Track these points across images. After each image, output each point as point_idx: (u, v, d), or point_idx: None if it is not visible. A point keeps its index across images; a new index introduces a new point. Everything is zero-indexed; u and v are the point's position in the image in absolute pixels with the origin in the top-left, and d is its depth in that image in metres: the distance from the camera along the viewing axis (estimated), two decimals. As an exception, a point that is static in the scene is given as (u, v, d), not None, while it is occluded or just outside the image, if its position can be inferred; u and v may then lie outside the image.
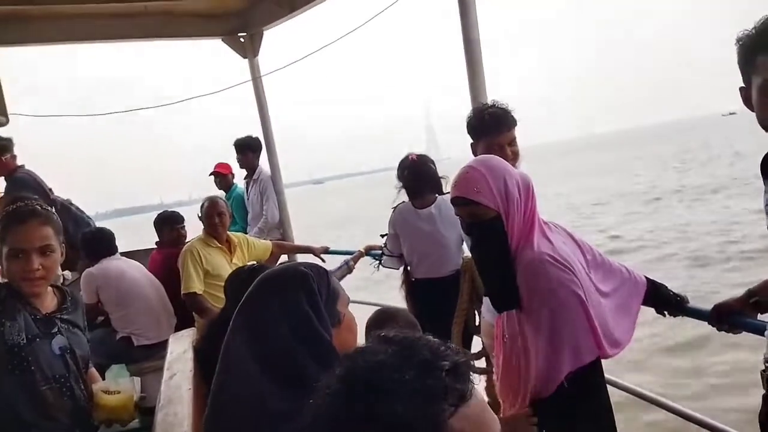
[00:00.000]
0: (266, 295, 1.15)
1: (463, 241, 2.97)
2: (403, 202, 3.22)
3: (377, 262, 3.41)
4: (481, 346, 2.81)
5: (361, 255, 3.74)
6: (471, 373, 0.67)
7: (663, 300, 1.90)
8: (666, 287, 1.92)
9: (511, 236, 1.64)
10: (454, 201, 1.69)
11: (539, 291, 1.60)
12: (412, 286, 3.16)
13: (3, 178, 4.45)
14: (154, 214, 4.37)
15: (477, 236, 1.71)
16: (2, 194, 4.95)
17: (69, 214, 4.47)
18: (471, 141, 2.24)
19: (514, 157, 2.12)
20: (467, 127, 2.28)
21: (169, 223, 4.10)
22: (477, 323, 2.91)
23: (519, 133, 2.21)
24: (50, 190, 4.47)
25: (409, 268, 3.19)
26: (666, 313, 1.92)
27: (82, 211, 4.73)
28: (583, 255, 1.78)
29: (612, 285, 1.78)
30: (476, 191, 1.62)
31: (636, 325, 1.79)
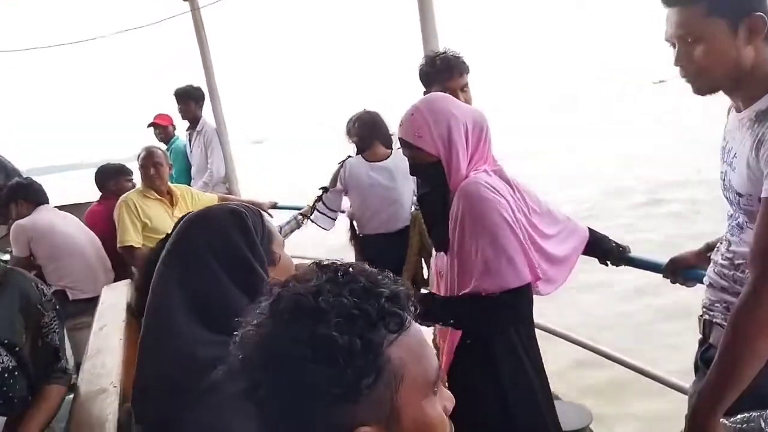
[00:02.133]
0: (197, 232, 1.05)
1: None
2: (350, 156, 3.13)
3: (307, 216, 3.26)
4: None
5: (309, 210, 3.65)
6: (410, 302, 0.64)
7: (605, 250, 1.92)
8: (608, 238, 1.95)
9: (452, 184, 1.62)
10: (400, 141, 1.69)
11: (473, 209, 1.57)
12: (361, 242, 3.11)
13: None
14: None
15: (419, 178, 1.76)
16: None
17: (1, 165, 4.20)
18: (424, 90, 2.19)
19: (467, 102, 2.09)
20: (419, 74, 2.24)
21: (114, 175, 3.89)
22: (426, 276, 2.91)
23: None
24: None
25: (355, 223, 3.13)
26: (609, 262, 1.95)
27: (10, 162, 4.44)
28: (524, 201, 1.74)
29: (555, 230, 1.78)
30: (417, 136, 1.61)
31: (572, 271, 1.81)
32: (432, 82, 2.14)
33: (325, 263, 0.66)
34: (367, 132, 3.03)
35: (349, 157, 3.10)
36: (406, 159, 1.71)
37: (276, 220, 3.91)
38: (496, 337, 1.63)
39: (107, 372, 1.22)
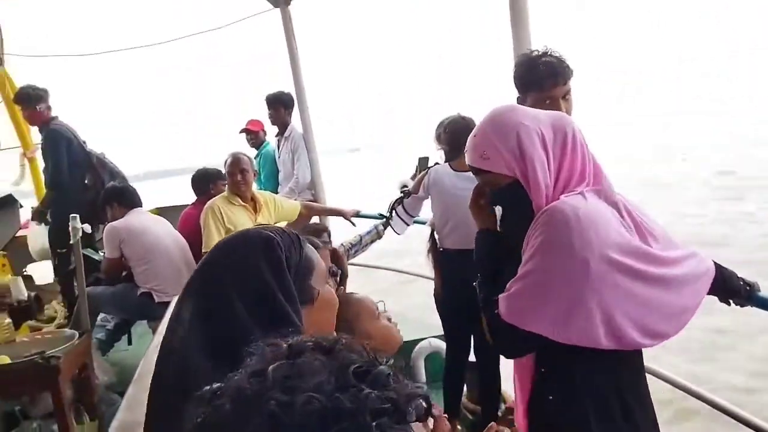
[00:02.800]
0: (220, 262, 0.92)
1: None
2: (437, 163, 2.98)
3: (387, 219, 3.20)
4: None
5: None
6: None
7: (732, 290, 1.59)
8: (736, 275, 1.61)
9: (534, 204, 1.35)
10: (470, 168, 1.46)
11: (547, 238, 1.30)
12: (440, 256, 2.93)
13: (38, 128, 4.43)
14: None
15: (502, 206, 1.49)
16: (38, 144, 4.95)
17: (105, 167, 4.44)
18: (517, 95, 1.97)
19: (567, 112, 1.83)
20: (514, 79, 1.99)
21: (208, 180, 3.97)
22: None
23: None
24: (84, 142, 4.43)
25: (436, 235, 2.96)
26: (732, 302, 1.63)
27: (114, 165, 4.68)
28: (638, 229, 1.42)
29: (678, 254, 1.44)
30: (483, 158, 1.38)
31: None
32: (530, 88, 1.89)
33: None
34: (457, 140, 2.80)
35: (437, 164, 2.96)
36: None
37: (358, 228, 3.86)
38: (576, 366, 1.37)
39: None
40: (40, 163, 5.16)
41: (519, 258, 1.41)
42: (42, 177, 4.83)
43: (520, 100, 1.92)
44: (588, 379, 1.37)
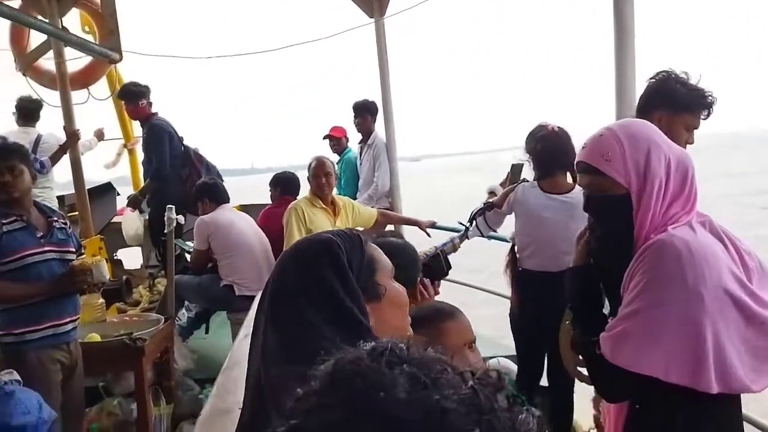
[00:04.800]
0: (287, 266, 0.97)
1: None
2: (525, 180, 2.86)
3: (465, 228, 2.97)
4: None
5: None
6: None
7: None
8: None
9: (638, 225, 1.30)
10: (578, 166, 1.38)
11: (658, 273, 1.23)
12: (519, 275, 2.83)
13: (139, 123, 4.73)
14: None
15: (595, 215, 1.40)
16: (140, 138, 5.28)
17: (201, 162, 4.67)
18: (637, 116, 1.90)
19: (688, 143, 1.77)
20: (646, 94, 1.92)
21: (293, 181, 4.09)
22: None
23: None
24: (182, 138, 4.68)
25: (517, 254, 2.86)
26: None
27: (209, 160, 4.89)
28: (741, 261, 1.33)
29: None
30: (605, 159, 1.30)
31: None
32: (661, 107, 1.83)
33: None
34: (550, 157, 2.68)
35: (525, 180, 2.85)
36: (577, 180, 1.45)
37: (433, 240, 3.83)
38: (676, 406, 1.28)
39: (238, 389, 1.17)
40: (139, 155, 5.51)
41: (612, 282, 1.35)
42: (140, 168, 5.14)
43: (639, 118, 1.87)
44: (689, 422, 1.28)
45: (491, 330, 4.17)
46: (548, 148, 2.68)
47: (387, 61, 4.71)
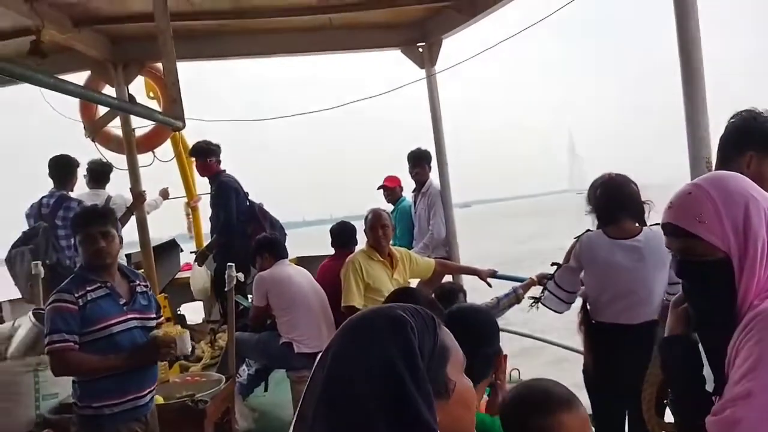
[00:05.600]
0: (349, 347, 0.83)
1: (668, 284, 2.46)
2: (589, 230, 2.74)
3: (534, 300, 2.90)
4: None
5: (532, 283, 3.34)
6: None
7: None
8: None
9: (742, 291, 1.16)
10: (666, 228, 1.24)
11: None
12: (593, 330, 2.66)
13: (208, 180, 4.88)
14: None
15: (691, 282, 1.26)
16: (202, 196, 5.46)
17: (266, 217, 4.77)
18: (719, 156, 1.79)
19: None
20: (729, 133, 1.80)
21: (350, 234, 4.07)
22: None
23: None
24: (247, 194, 4.80)
25: (589, 307, 2.70)
26: None
27: (272, 216, 4.98)
28: None
29: None
30: (698, 220, 1.17)
31: None
32: (751, 146, 1.71)
33: None
34: (612, 202, 2.58)
35: (588, 231, 2.72)
36: (663, 244, 1.31)
37: (494, 291, 3.71)
38: None
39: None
40: (202, 212, 5.68)
41: (715, 356, 1.20)
42: (202, 224, 5.29)
43: (725, 163, 1.75)
44: None
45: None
46: (608, 193, 2.58)
47: (440, 110, 4.72)
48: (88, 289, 2.31)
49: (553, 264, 2.84)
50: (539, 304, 2.86)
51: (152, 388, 2.48)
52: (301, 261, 5.00)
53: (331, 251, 4.14)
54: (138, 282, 2.50)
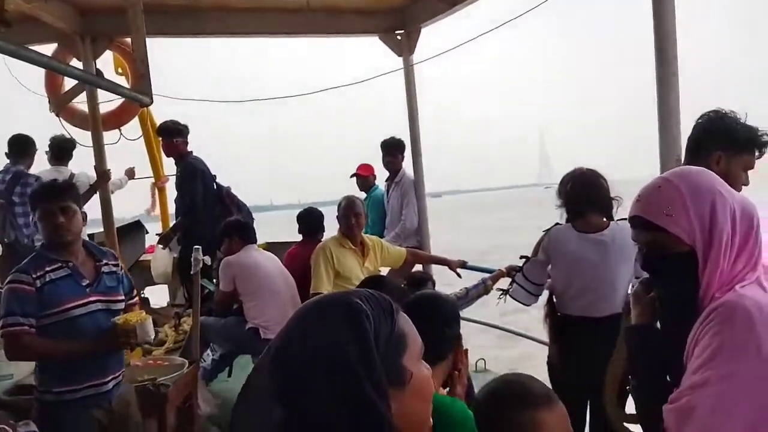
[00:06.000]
0: (303, 330, 0.80)
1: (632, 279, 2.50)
2: (558, 223, 2.77)
3: (502, 293, 2.94)
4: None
5: (501, 275, 3.36)
6: None
7: None
8: None
9: (705, 283, 1.18)
10: (633, 221, 1.27)
11: (728, 340, 1.11)
12: (559, 323, 2.69)
13: (174, 161, 4.77)
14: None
15: (656, 274, 1.29)
16: (169, 176, 5.34)
17: (233, 201, 4.68)
18: (687, 156, 1.82)
19: (742, 184, 1.67)
20: (702, 132, 1.84)
21: (319, 221, 4.04)
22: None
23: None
24: (214, 176, 4.70)
25: (555, 299, 2.72)
26: None
27: (240, 199, 4.90)
28: None
29: None
30: (665, 214, 1.20)
31: None
32: (716, 147, 1.74)
33: None
34: (581, 196, 2.61)
35: (557, 224, 2.75)
36: (629, 239, 1.33)
37: (464, 281, 3.73)
38: None
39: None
40: (169, 193, 5.55)
41: (675, 346, 1.22)
42: (169, 206, 5.17)
43: (693, 160, 1.78)
44: None
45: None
46: (578, 187, 2.61)
47: (416, 100, 4.70)
48: (48, 269, 2.20)
49: (522, 257, 2.86)
50: (507, 296, 2.88)
51: (117, 374, 2.38)
52: (270, 247, 4.93)
53: (299, 237, 4.11)
54: (105, 261, 2.38)
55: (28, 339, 2.16)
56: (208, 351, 3.89)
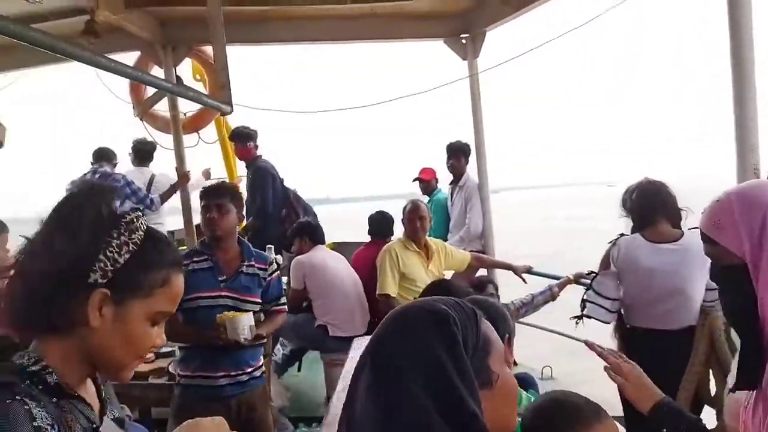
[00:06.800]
0: (392, 333, 0.86)
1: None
2: (622, 234, 2.68)
3: (577, 317, 2.78)
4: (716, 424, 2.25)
5: (568, 282, 3.32)
6: None
7: None
8: None
9: (761, 297, 1.17)
10: (701, 235, 1.28)
11: None
12: (629, 336, 2.62)
13: (245, 164, 4.99)
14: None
15: (718, 285, 1.30)
16: (243, 177, 5.57)
17: (300, 203, 4.86)
18: None
19: None
20: None
21: (389, 224, 4.10)
22: (713, 393, 2.35)
23: None
24: (282, 179, 4.89)
25: (624, 311, 2.65)
26: None
27: (306, 202, 5.06)
28: None
29: None
30: (715, 226, 1.21)
31: None
32: None
33: None
34: (649, 205, 2.56)
35: (623, 235, 2.67)
36: (704, 251, 1.33)
37: (528, 287, 3.69)
38: None
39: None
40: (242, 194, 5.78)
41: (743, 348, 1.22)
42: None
43: None
44: None
45: (588, 386, 3.93)
46: (643, 196, 2.56)
47: (480, 103, 4.70)
48: (195, 259, 2.37)
49: (589, 273, 2.81)
50: (583, 316, 2.74)
51: (231, 373, 2.38)
52: (337, 247, 5.06)
53: (363, 234, 4.21)
54: (250, 262, 2.45)
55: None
56: (279, 346, 4.06)
